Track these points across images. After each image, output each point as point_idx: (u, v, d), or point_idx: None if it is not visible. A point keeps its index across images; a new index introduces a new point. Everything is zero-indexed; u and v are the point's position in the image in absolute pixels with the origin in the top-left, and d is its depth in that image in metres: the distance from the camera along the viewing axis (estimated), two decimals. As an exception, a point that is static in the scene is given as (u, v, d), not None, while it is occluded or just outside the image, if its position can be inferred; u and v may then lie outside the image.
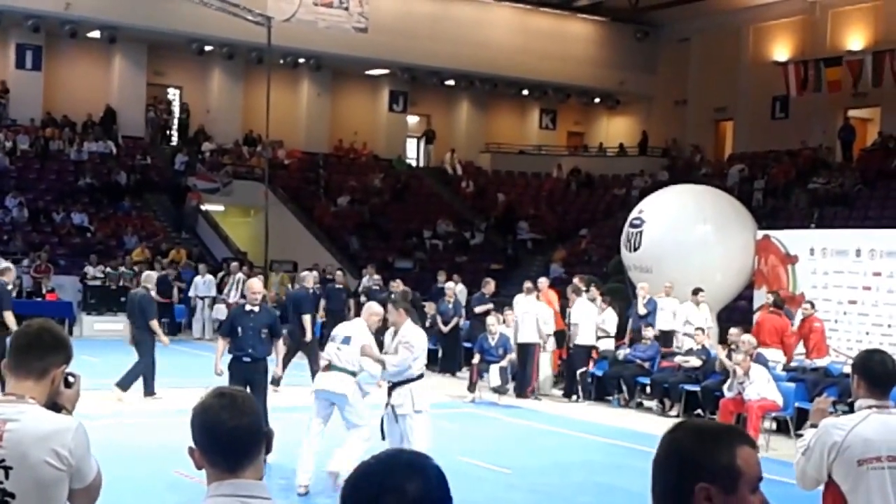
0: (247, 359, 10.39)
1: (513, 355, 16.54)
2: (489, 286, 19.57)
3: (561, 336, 17.67)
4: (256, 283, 11.15)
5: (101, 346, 21.54)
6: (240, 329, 10.43)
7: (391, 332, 9.40)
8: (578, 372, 16.79)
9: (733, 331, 14.65)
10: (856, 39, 31.71)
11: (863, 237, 17.58)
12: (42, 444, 3.23)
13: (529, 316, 16.96)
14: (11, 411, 3.28)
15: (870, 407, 4.37)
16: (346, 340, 9.44)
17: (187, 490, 8.42)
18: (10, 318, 13.07)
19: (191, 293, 24.71)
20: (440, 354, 19.69)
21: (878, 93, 29.99)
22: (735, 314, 19.78)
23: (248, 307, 10.61)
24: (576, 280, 18.08)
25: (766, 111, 34.03)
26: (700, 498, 2.25)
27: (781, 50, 33.83)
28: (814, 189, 28.63)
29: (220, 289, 24.82)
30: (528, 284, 17.67)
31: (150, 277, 15.88)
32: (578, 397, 16.78)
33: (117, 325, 23.96)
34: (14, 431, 3.24)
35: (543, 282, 18.55)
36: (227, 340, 10.73)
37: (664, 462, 2.33)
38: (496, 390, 16.32)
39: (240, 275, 23.59)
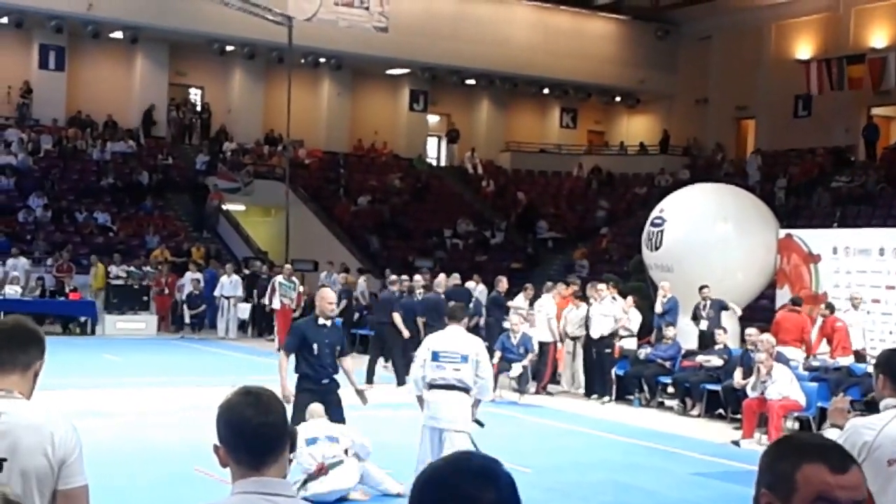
0: (326, 380, 9.15)
1: (533, 354, 16.56)
2: (502, 284, 19.49)
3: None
4: (331, 294, 9.80)
5: (123, 344, 21.68)
6: (315, 346, 9.06)
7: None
8: (613, 371, 16.71)
9: (750, 330, 14.53)
10: (879, 37, 31.47)
11: (886, 236, 17.47)
12: (33, 436, 3.24)
13: (542, 315, 17.25)
14: (1, 405, 3.31)
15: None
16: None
17: (209, 487, 8.45)
18: None
19: (216, 292, 24.70)
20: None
21: (901, 91, 29.79)
22: (757, 313, 19.65)
23: (321, 321, 9.20)
24: (591, 286, 17.99)
25: (788, 110, 33.82)
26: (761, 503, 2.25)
27: (804, 48, 33.62)
28: (836, 188, 28.45)
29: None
30: (527, 289, 18.29)
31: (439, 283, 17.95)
32: (610, 398, 16.56)
33: (139, 324, 24.11)
34: (5, 424, 3.25)
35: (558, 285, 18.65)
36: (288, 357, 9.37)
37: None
38: (517, 389, 16.33)
39: (279, 278, 22.57)
